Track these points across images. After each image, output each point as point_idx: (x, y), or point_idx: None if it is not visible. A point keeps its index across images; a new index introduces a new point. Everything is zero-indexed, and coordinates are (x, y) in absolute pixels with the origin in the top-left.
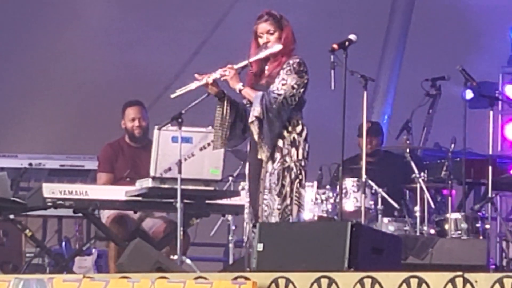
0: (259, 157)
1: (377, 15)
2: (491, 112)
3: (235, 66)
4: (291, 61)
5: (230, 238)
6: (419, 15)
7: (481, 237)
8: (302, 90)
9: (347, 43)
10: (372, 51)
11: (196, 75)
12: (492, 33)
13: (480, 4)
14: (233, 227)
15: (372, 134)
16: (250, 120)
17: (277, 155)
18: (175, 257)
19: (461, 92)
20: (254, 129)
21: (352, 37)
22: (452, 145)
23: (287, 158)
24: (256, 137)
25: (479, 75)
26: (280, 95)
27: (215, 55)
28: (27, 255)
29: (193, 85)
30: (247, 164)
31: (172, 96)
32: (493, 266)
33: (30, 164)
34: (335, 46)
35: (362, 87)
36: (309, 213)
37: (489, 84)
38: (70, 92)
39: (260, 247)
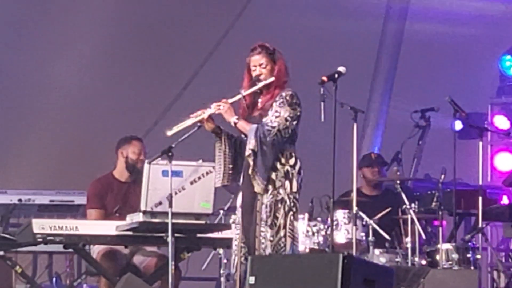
0: (255, 190)
1: (366, 47)
2: (480, 143)
3: (229, 100)
4: (283, 93)
5: (221, 271)
6: (408, 46)
7: (472, 268)
8: (295, 122)
9: (336, 75)
10: (362, 83)
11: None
12: (481, 64)
13: (468, 36)
14: (225, 261)
15: (379, 165)
16: (246, 153)
17: (269, 187)
18: None
19: (450, 123)
20: (250, 162)
21: (342, 69)
22: (442, 176)
23: (281, 191)
24: (250, 170)
25: (468, 106)
26: (274, 127)
27: (205, 88)
28: None
29: (189, 121)
30: (240, 196)
31: (169, 133)
32: None
33: (20, 200)
34: (324, 78)
35: (352, 119)
36: (301, 245)
37: (478, 114)
38: (59, 127)
39: (252, 280)
